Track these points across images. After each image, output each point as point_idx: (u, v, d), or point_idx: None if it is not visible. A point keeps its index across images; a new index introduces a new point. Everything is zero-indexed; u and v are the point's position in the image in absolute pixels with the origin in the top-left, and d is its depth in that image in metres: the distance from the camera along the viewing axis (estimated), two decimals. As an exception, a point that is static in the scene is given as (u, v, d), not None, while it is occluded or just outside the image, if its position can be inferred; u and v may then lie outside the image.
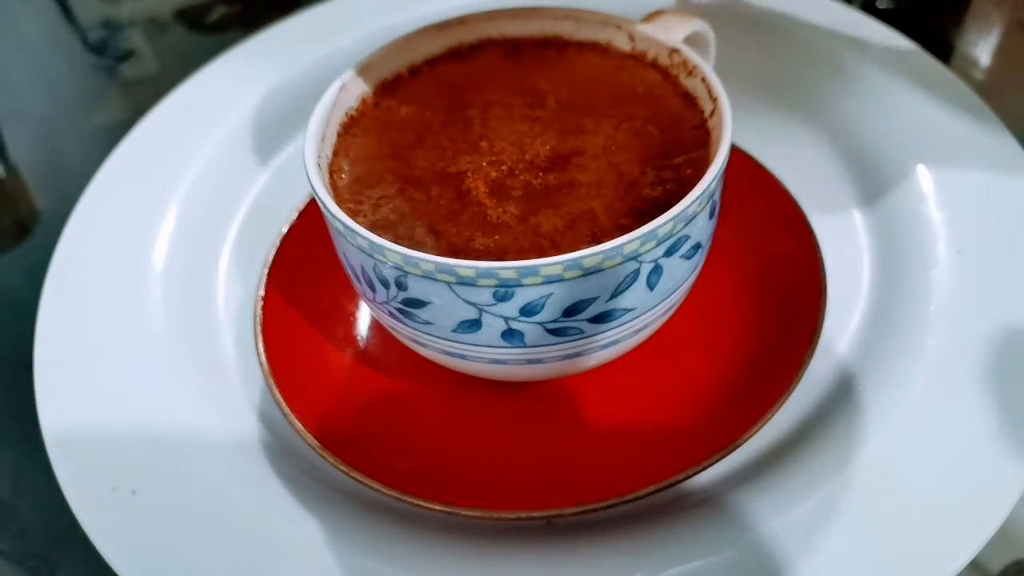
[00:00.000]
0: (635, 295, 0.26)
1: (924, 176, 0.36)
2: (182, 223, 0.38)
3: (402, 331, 0.29)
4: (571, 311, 0.26)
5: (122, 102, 0.52)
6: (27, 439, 0.31)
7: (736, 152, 0.36)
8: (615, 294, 0.26)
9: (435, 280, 0.25)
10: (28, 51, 0.56)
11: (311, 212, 0.36)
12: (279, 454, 0.31)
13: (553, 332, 0.27)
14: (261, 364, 0.32)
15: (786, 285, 0.33)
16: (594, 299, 0.26)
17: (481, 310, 0.26)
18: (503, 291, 0.25)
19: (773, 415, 0.29)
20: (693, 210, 0.26)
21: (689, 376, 0.32)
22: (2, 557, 0.33)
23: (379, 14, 0.46)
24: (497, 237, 0.27)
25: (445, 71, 0.34)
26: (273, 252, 0.35)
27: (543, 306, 0.26)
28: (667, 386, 0.31)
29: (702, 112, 0.30)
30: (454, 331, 0.27)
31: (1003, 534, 0.26)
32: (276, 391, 0.31)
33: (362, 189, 0.30)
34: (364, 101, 0.33)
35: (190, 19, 0.57)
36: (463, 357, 0.28)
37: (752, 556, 0.27)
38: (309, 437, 0.30)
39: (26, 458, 0.34)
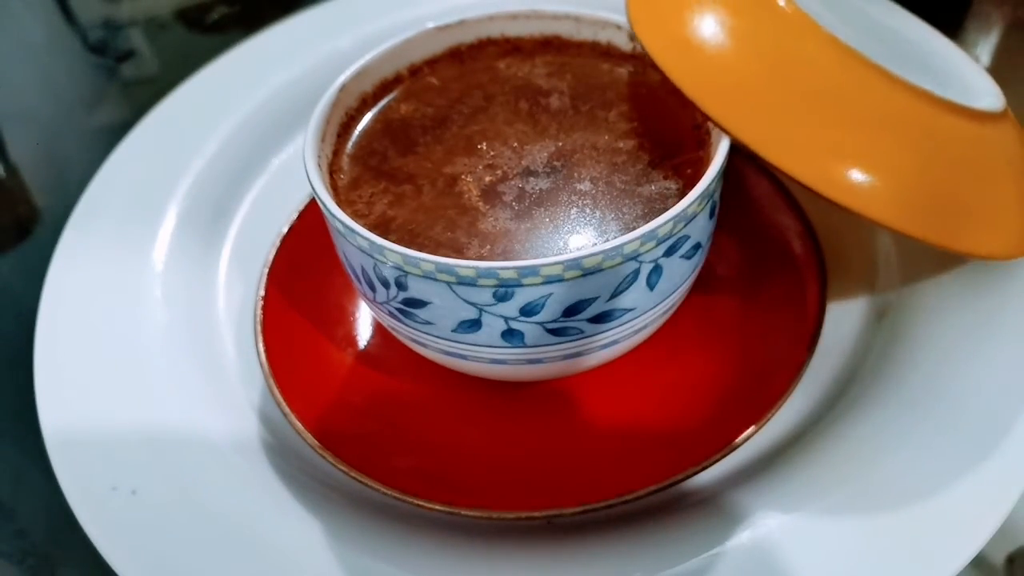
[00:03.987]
0: (635, 295, 0.27)
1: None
2: (182, 223, 0.38)
3: (402, 331, 0.29)
4: (571, 311, 0.26)
5: (122, 102, 0.52)
6: (27, 439, 0.31)
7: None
8: (615, 294, 0.26)
9: (435, 280, 0.25)
10: (28, 51, 0.56)
11: (311, 212, 0.36)
12: (279, 454, 0.31)
13: (553, 332, 0.27)
14: (261, 364, 0.32)
15: (786, 285, 0.33)
16: (594, 299, 0.26)
17: (481, 310, 0.26)
18: (503, 291, 0.25)
19: (773, 415, 0.29)
20: (693, 210, 0.26)
21: (689, 376, 0.32)
22: (2, 557, 0.33)
23: (379, 15, 0.46)
24: (497, 237, 0.27)
25: (445, 72, 0.34)
26: (273, 252, 0.36)
27: (543, 306, 0.26)
28: (667, 386, 0.31)
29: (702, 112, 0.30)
30: (454, 331, 0.27)
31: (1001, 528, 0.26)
32: (276, 391, 0.31)
33: (362, 189, 0.30)
34: (364, 101, 0.33)
35: (190, 19, 0.57)
36: (463, 357, 0.28)
37: (752, 556, 0.27)
38: (309, 437, 0.30)
39: (26, 458, 0.34)
